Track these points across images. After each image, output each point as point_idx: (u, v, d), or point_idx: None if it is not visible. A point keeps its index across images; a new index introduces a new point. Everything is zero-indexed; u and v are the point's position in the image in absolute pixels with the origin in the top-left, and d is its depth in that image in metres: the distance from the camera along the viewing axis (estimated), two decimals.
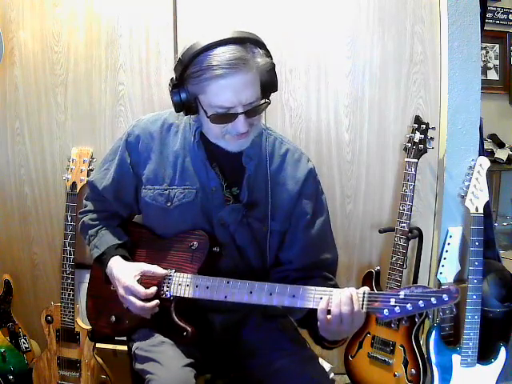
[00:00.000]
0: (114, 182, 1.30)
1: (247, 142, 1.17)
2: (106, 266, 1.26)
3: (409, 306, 0.98)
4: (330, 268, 1.30)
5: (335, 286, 1.24)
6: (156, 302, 1.17)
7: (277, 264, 1.30)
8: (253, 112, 1.11)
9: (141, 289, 1.17)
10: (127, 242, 1.32)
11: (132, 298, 1.17)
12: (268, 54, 1.12)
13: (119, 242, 1.30)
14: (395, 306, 0.99)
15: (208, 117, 1.09)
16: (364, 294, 1.03)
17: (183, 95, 1.10)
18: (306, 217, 1.26)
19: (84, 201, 1.42)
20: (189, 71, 1.07)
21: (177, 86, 1.11)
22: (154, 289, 1.18)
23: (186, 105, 1.12)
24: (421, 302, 0.97)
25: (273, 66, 1.12)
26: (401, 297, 0.99)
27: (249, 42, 1.08)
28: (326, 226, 1.31)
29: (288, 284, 1.12)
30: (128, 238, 1.33)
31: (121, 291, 1.19)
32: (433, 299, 0.96)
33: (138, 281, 1.19)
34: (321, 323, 1.06)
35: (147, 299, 1.17)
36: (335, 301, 1.03)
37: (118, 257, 1.26)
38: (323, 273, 1.26)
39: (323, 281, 1.23)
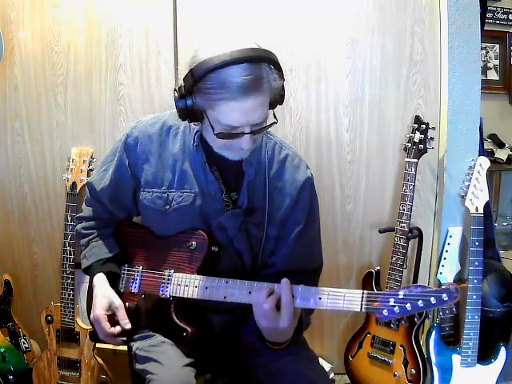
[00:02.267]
0: (111, 183, 1.30)
1: (248, 153, 1.17)
2: (91, 280, 1.28)
3: (408, 305, 0.97)
4: (312, 275, 1.31)
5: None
6: (119, 340, 1.25)
7: (261, 265, 1.30)
8: (259, 131, 1.10)
9: (107, 326, 1.20)
10: (118, 255, 1.31)
11: (98, 329, 1.22)
12: (281, 74, 1.10)
13: (109, 255, 1.30)
14: (394, 306, 0.98)
15: (215, 134, 1.08)
16: (363, 293, 1.02)
17: (190, 105, 1.08)
18: (299, 226, 1.26)
19: (82, 205, 1.43)
20: (200, 85, 1.04)
21: (184, 96, 1.08)
22: (118, 329, 1.21)
23: (192, 115, 1.10)
24: (420, 301, 0.96)
25: (283, 83, 1.12)
26: (400, 297, 0.98)
27: (264, 62, 1.05)
28: (315, 236, 1.32)
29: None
30: (119, 250, 1.32)
31: (91, 316, 1.24)
32: (432, 299, 0.96)
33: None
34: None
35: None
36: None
37: (101, 274, 1.27)
38: (304, 279, 1.24)
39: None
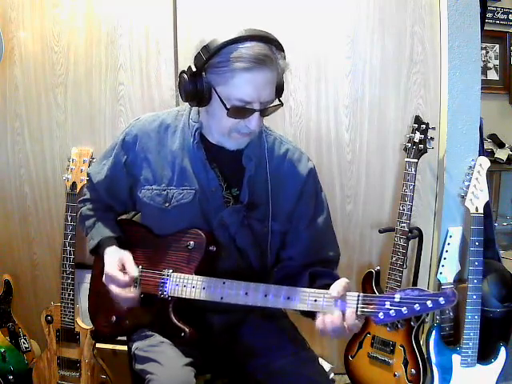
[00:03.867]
0: (107, 178, 1.31)
1: (247, 141, 1.19)
2: (102, 257, 1.26)
3: (404, 309, 0.96)
4: (331, 264, 1.31)
5: (336, 278, 1.25)
6: (133, 292, 1.19)
7: (277, 261, 1.31)
8: (266, 111, 1.13)
9: (120, 276, 1.18)
10: (121, 237, 1.32)
11: (112, 286, 1.19)
12: (284, 56, 1.14)
13: (113, 235, 1.30)
14: (390, 309, 0.97)
15: (227, 108, 1.09)
16: (358, 296, 1.02)
17: (200, 85, 1.10)
18: (308, 216, 1.27)
19: (84, 189, 1.45)
20: (213, 61, 1.07)
21: (194, 75, 1.11)
22: (129, 276, 1.18)
23: (200, 95, 1.11)
24: (416, 305, 0.95)
25: (285, 69, 1.16)
26: (396, 300, 0.97)
27: (273, 43, 1.10)
28: (327, 224, 1.32)
29: (289, 279, 1.17)
30: (122, 233, 1.33)
31: (103, 279, 1.21)
32: (429, 302, 0.94)
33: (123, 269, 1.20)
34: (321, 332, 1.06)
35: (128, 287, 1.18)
36: (326, 320, 1.03)
37: (114, 246, 1.26)
38: (324, 268, 1.26)
39: (324, 275, 1.23)
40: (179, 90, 1.16)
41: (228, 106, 1.08)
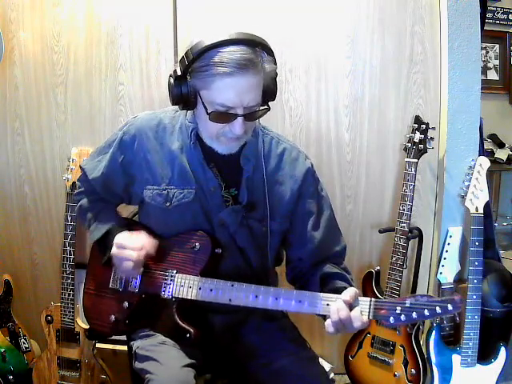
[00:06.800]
0: (103, 175, 1.31)
1: (237, 146, 1.19)
2: (110, 246, 1.22)
3: (414, 314, 0.99)
4: (340, 258, 1.33)
5: (346, 269, 1.29)
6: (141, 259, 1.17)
7: (286, 262, 1.33)
8: (251, 116, 1.12)
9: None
10: (125, 226, 1.30)
11: (126, 252, 1.16)
12: (274, 61, 1.12)
13: (120, 223, 1.30)
14: (401, 314, 1.00)
15: (208, 113, 1.09)
16: (371, 301, 1.04)
17: (184, 89, 1.10)
18: (312, 216, 1.27)
19: (77, 181, 1.43)
20: (196, 65, 1.07)
21: (179, 78, 1.11)
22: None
23: (185, 99, 1.12)
24: (426, 310, 0.99)
25: (276, 74, 1.14)
26: (406, 305, 1.00)
27: (259, 47, 1.08)
28: (331, 221, 1.32)
29: (301, 278, 1.22)
30: (124, 223, 1.33)
31: (114, 251, 1.19)
32: (437, 308, 0.98)
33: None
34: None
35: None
36: (333, 308, 1.05)
37: (125, 232, 1.23)
38: (333, 264, 1.27)
39: (334, 268, 1.26)
40: (168, 92, 1.16)
41: (209, 111, 1.08)
